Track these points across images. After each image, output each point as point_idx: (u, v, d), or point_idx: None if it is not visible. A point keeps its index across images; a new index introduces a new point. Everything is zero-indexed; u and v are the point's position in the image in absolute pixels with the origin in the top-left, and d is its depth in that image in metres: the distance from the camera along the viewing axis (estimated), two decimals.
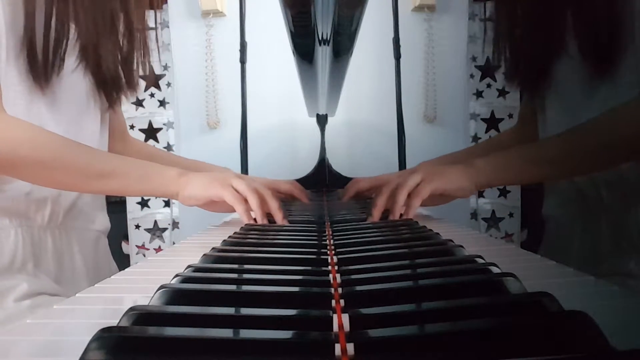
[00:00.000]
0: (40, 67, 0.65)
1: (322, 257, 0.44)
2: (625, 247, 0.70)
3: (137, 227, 1.69)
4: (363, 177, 0.94)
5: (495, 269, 0.36)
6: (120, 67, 0.76)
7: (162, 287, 0.32)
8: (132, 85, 0.79)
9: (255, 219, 0.70)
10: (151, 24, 1.70)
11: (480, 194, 1.68)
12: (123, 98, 0.81)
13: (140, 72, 0.80)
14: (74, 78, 0.71)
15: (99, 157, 0.69)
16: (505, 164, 0.72)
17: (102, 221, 0.83)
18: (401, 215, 0.70)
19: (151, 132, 1.65)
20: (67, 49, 0.68)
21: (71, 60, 0.70)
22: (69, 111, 0.72)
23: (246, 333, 0.25)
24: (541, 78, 0.79)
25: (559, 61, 0.76)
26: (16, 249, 0.68)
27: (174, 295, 0.32)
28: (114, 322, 0.27)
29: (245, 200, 0.70)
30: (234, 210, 0.71)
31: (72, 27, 0.68)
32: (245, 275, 0.39)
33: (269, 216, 0.72)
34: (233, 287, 0.34)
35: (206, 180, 0.71)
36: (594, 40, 0.68)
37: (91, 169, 0.67)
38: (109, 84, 0.76)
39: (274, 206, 0.72)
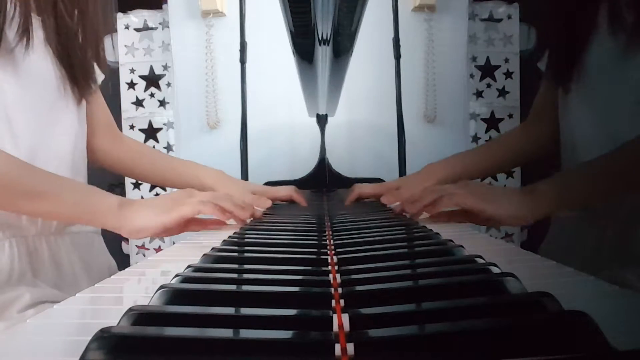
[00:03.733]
0: None
1: (322, 257, 0.44)
2: (626, 258, 0.69)
3: None
4: (367, 184, 0.92)
5: (495, 269, 0.36)
6: (70, 52, 0.71)
7: (162, 287, 0.32)
8: (86, 71, 0.74)
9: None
10: (151, 24, 1.70)
11: None
12: (97, 90, 0.76)
13: (96, 59, 0.76)
14: (37, 67, 0.68)
15: (32, 175, 0.62)
16: (573, 187, 0.63)
17: None
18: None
19: (151, 132, 1.65)
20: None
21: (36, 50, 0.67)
22: (39, 103, 0.69)
23: (246, 333, 0.25)
24: (571, 59, 0.75)
25: (590, 43, 0.73)
26: (13, 261, 0.66)
27: (174, 295, 0.32)
28: (113, 322, 0.27)
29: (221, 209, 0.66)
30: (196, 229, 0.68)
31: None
32: (245, 275, 0.39)
33: (270, 210, 0.71)
34: (233, 287, 0.35)
35: (157, 205, 0.65)
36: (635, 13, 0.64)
37: (20, 186, 0.60)
38: (70, 69, 0.72)
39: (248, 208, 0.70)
